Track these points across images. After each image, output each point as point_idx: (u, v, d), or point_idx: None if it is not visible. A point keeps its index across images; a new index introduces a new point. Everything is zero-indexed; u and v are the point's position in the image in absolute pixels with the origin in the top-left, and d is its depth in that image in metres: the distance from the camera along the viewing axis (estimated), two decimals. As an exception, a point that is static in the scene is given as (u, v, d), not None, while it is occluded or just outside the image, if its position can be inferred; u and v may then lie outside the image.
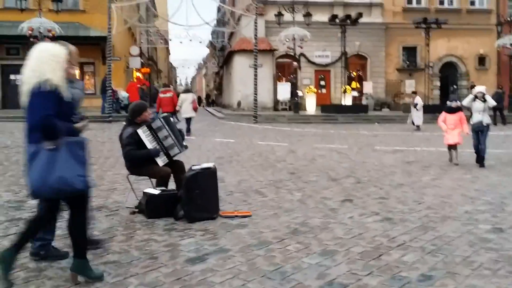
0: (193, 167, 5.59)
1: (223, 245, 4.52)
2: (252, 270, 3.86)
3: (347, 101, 28.26)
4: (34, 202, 6.09)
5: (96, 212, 5.75)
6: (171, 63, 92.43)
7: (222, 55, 44.46)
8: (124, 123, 6.02)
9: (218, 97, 48.56)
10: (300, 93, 27.75)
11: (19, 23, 22.69)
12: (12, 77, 27.45)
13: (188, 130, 16.22)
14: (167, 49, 79.06)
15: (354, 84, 31.98)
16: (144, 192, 5.63)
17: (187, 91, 19.06)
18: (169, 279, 3.67)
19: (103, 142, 14.19)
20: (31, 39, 22.01)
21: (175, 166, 5.99)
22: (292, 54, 28.48)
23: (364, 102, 30.28)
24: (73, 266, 3.61)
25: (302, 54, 28.89)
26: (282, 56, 31.77)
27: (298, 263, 4.03)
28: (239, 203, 6.31)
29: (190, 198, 5.34)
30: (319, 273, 3.81)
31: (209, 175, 5.52)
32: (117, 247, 4.47)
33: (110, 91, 22.52)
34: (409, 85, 32.54)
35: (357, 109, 27.29)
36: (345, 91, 28.53)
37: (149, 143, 5.77)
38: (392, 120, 25.28)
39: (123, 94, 26.43)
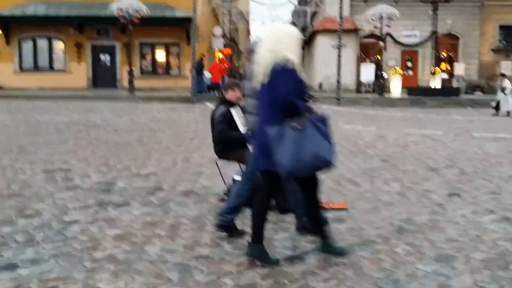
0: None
1: (322, 242, 4.11)
2: (359, 276, 3.41)
3: (436, 83, 26.70)
4: (122, 185, 6.07)
5: (184, 197, 5.54)
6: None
7: (304, 35, 43.61)
8: (211, 105, 5.73)
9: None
10: (385, 75, 26.50)
11: (108, 4, 23.31)
12: (101, 57, 28.45)
13: None
14: (248, 30, 79.23)
15: (443, 66, 30.17)
16: (233, 179, 5.32)
17: None
18: (267, 282, 3.30)
19: (187, 122, 14.19)
20: (120, 20, 22.58)
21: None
22: (378, 34, 27.30)
23: (455, 84, 28.48)
24: (249, 250, 3.61)
25: (388, 34, 27.53)
26: (366, 36, 30.53)
27: (412, 269, 3.53)
28: (332, 193, 5.85)
29: (283, 187, 4.96)
30: (440, 284, 3.29)
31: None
32: (207, 238, 4.19)
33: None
34: (506, 67, 30.21)
35: (447, 92, 25.64)
36: (434, 73, 26.97)
37: (242, 126, 5.44)
38: (486, 104, 23.50)
39: (206, 74, 26.57)
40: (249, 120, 5.41)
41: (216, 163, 5.85)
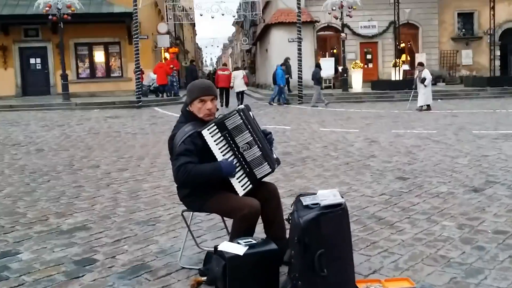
0: (304, 199, 2.99)
1: None
2: None
3: (398, 76, 25.23)
4: (26, 257, 3.65)
5: (127, 281, 3.22)
6: (197, 43, 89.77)
7: (255, 30, 41.54)
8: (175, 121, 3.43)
9: (250, 77, 45.75)
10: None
11: (35, 1, 20.35)
12: (32, 61, 25.25)
13: (241, 102, 18.62)
14: (194, 29, 76.36)
15: (404, 57, 28.87)
16: (216, 250, 3.03)
17: (237, 68, 22.91)
18: None
19: (134, 133, 11.72)
20: (50, 17, 19.73)
21: (262, 193, 3.38)
22: (336, 25, 25.54)
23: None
24: None
25: (345, 26, 25.86)
26: (323, 29, 28.83)
27: None
28: (371, 251, 3.70)
29: (309, 265, 2.75)
30: None
31: (339, 218, 2.90)
32: None
33: (138, 73, 20.00)
34: (466, 55, 29.32)
35: (413, 84, 24.11)
36: (396, 65, 25.49)
37: (220, 154, 3.20)
38: (455, 95, 22.22)
39: (151, 75, 23.98)
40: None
41: (183, 216, 3.57)
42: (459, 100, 20.53)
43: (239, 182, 3.24)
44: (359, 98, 21.76)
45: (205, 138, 3.18)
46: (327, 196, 3.00)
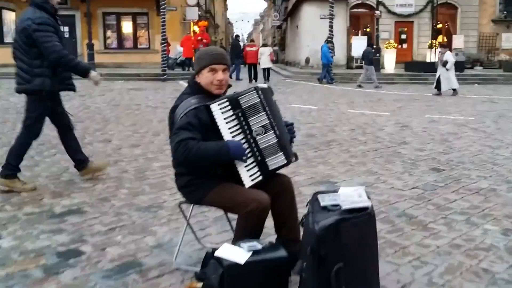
0: (322, 198, 2.47)
1: None
2: None
3: (434, 57, 24.10)
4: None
5: (111, 281, 2.76)
6: (228, 18, 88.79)
7: (286, 6, 40.52)
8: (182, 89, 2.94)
9: (280, 54, 44.84)
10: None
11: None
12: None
13: (267, 78, 20.09)
14: (225, 3, 75.29)
15: (440, 38, 27.60)
16: (213, 255, 2.53)
17: (265, 45, 22.35)
18: None
19: (154, 107, 11.30)
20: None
21: (273, 187, 2.85)
22: (370, 2, 24.52)
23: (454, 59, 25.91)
24: None
25: (380, 3, 24.80)
26: (356, 6, 27.78)
27: None
28: (400, 259, 3.16)
29: (324, 283, 2.24)
30: None
31: (365, 226, 2.36)
32: None
33: (164, 45, 19.52)
34: (506, 39, 27.88)
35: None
36: (431, 46, 24.36)
37: (230, 135, 2.68)
38: (494, 80, 21.10)
39: (178, 48, 23.49)
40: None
41: (181, 209, 3.08)
42: (497, 86, 19.45)
43: (248, 171, 2.72)
44: (391, 79, 20.87)
45: (214, 114, 2.64)
46: (351, 196, 2.47)
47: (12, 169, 4.45)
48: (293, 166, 5.55)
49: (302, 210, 2.76)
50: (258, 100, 2.72)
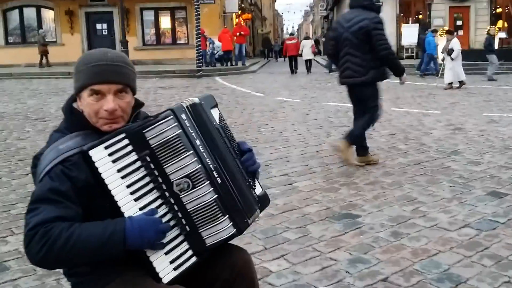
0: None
1: None
2: None
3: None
4: None
5: None
6: (276, 10, 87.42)
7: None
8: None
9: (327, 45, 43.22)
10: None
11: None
12: (98, 26, 24.69)
13: (309, 70, 20.86)
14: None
15: (500, 23, 25.32)
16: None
17: (307, 38, 23.63)
18: None
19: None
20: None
21: (217, 272, 1.71)
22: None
23: (515, 45, 23.69)
24: None
25: (434, -13, 22.93)
26: (406, -9, 25.92)
27: None
28: None
29: None
30: None
31: None
32: None
33: (198, 39, 18.60)
34: None
35: (510, 55, 20.98)
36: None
37: (128, 201, 1.56)
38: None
39: (216, 43, 22.57)
40: None
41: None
42: None
43: (167, 254, 1.60)
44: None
45: (96, 165, 1.54)
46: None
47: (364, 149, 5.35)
48: (306, 192, 4.40)
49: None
50: (179, 130, 1.59)
